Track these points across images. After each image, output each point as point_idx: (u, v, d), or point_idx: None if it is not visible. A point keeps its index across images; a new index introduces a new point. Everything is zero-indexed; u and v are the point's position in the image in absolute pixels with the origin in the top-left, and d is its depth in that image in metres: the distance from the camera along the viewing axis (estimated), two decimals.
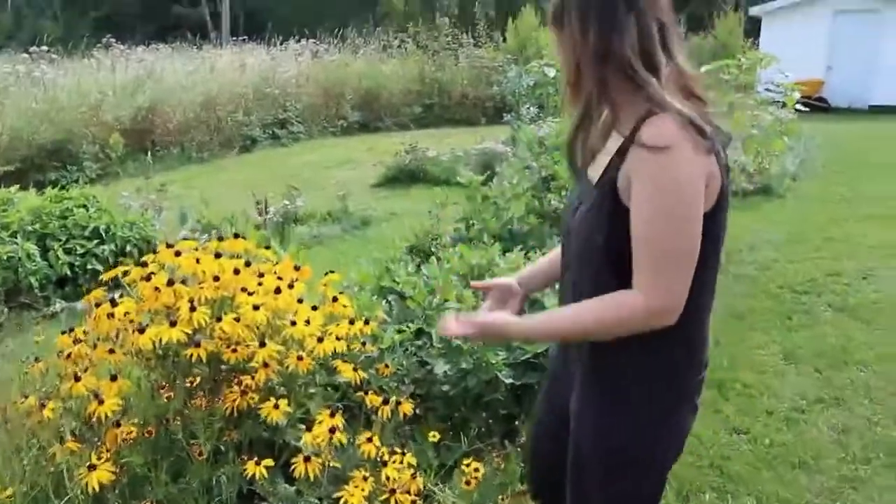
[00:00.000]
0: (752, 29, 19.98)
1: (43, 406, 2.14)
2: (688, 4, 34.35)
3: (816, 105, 14.09)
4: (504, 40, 17.54)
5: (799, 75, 9.53)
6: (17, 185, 6.06)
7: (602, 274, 1.44)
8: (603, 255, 1.43)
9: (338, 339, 2.28)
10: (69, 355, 2.29)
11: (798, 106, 8.06)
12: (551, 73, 8.89)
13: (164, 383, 2.17)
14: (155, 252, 2.46)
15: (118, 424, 2.10)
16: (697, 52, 19.44)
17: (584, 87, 1.44)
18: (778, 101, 7.95)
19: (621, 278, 1.41)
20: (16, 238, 5.03)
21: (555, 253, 1.74)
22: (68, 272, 5.11)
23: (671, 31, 1.41)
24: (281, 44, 16.46)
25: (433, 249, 3.85)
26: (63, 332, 2.40)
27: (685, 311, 1.39)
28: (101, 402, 2.05)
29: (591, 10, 1.39)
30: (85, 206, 5.53)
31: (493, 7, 22.02)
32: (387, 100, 14.97)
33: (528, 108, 9.19)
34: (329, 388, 2.57)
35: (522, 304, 1.77)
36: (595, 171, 1.48)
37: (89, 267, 5.18)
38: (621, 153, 1.39)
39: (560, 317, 1.54)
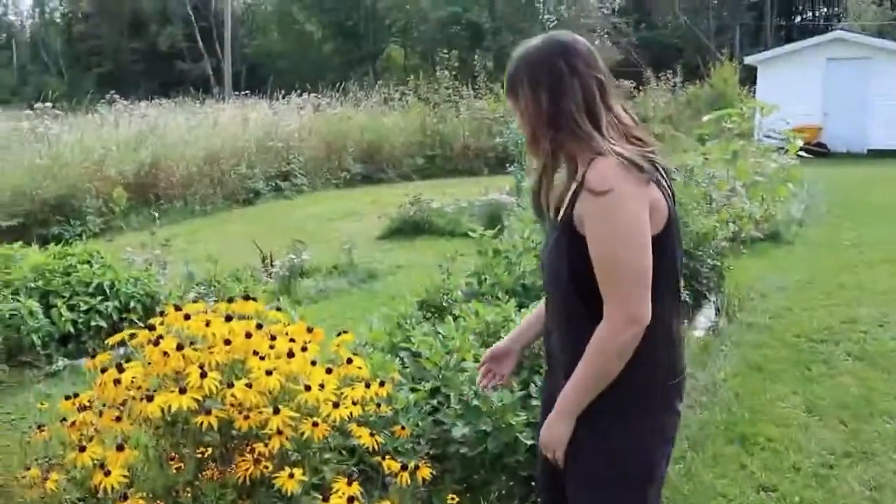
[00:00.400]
0: (748, 77, 20.27)
1: (45, 479, 2.04)
2: (682, 54, 35.01)
3: (816, 151, 14.16)
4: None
5: (796, 122, 9.60)
6: (20, 241, 6.00)
7: (568, 294, 1.68)
8: (567, 277, 1.67)
9: (353, 402, 2.19)
10: (73, 423, 2.20)
11: (800, 152, 8.07)
12: None
13: (173, 453, 2.07)
14: (162, 313, 2.40)
15: (125, 497, 1.99)
16: (694, 101, 19.70)
17: (541, 145, 1.69)
18: (781, 148, 7.96)
19: (583, 296, 1.63)
20: (18, 295, 4.95)
21: (540, 305, 1.96)
22: (71, 329, 5.02)
23: (607, 86, 1.68)
24: (283, 97, 16.65)
25: (444, 304, 3.77)
26: (67, 397, 2.31)
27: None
28: (107, 474, 1.96)
29: (541, 80, 1.65)
30: (89, 262, 5.47)
31: (492, 59, 22.39)
32: (389, 152, 15.05)
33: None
34: (344, 452, 2.47)
35: (516, 360, 2.02)
36: (556, 213, 1.73)
37: (93, 324, 5.10)
38: (574, 194, 1.64)
39: (573, 377, 1.66)
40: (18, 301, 4.86)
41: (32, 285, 5.10)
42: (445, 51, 18.32)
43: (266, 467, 2.06)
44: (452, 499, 2.47)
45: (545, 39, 1.71)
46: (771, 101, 8.49)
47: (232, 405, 2.08)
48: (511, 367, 2.01)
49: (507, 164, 10.73)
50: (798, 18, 44.38)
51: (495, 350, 2.02)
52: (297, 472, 2.04)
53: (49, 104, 12.73)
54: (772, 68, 18.56)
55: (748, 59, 20.01)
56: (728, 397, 4.09)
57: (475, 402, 2.61)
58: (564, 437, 1.68)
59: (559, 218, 1.71)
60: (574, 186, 1.66)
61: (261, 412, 2.08)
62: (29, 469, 2.14)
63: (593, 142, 1.61)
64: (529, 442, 2.62)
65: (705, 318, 5.27)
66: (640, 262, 1.56)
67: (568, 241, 1.64)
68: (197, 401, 2.00)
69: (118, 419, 2.09)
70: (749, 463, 3.40)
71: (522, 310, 3.12)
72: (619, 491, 1.70)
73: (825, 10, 43.65)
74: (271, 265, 6.45)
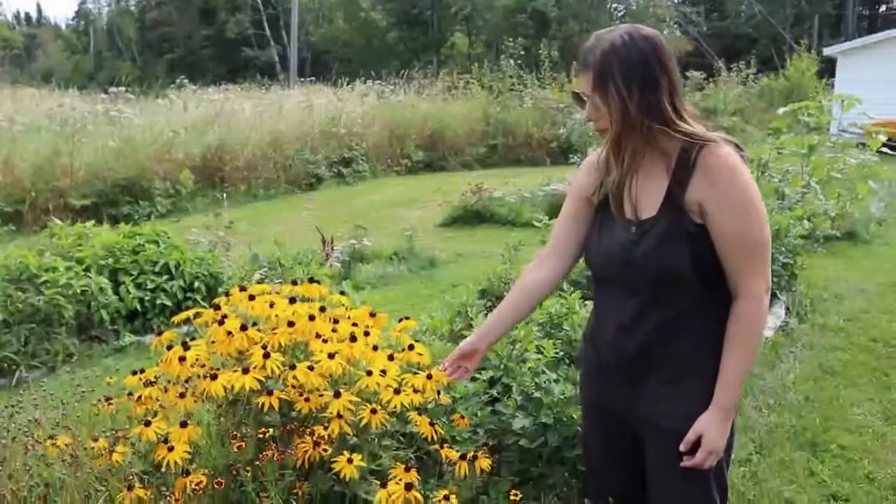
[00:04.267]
0: (826, 69, 19.48)
1: (112, 451, 2.08)
2: (755, 45, 33.92)
3: None
4: (569, 81, 17.49)
5: (878, 116, 9.16)
6: (93, 221, 6.19)
7: (692, 286, 1.65)
8: (690, 270, 1.64)
9: (414, 390, 2.16)
10: (139, 398, 2.23)
11: (882, 148, 7.71)
12: None
13: (234, 432, 2.08)
14: (226, 294, 2.41)
15: (187, 473, 2.01)
16: (768, 93, 19.05)
17: (630, 142, 1.66)
18: (861, 144, 7.61)
19: (707, 286, 1.66)
20: (89, 272, 5.11)
21: (508, 302, 2.00)
22: (138, 306, 5.16)
23: (679, 84, 1.70)
24: (347, 84, 16.76)
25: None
26: (134, 372, 2.35)
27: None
28: (170, 449, 1.98)
29: (634, 76, 1.62)
30: (156, 241, 5.61)
31: (557, 49, 22.07)
32: (451, 140, 14.98)
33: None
34: (402, 438, 2.45)
35: (481, 357, 2.04)
36: (648, 208, 1.69)
37: (158, 302, 5.23)
38: (679, 184, 1.64)
39: (730, 367, 1.68)
40: (90, 278, 5.02)
41: (103, 263, 5.26)
42: (510, 39, 18.15)
43: (325, 450, 2.05)
44: (515, 495, 2.42)
45: (632, 34, 1.64)
46: (851, 95, 8.12)
47: (293, 387, 2.08)
48: (476, 364, 2.05)
49: (570, 155, 10.57)
50: (883, 8, 42.41)
51: (464, 348, 2.02)
52: (356, 457, 2.02)
53: (122, 88, 13.18)
54: (853, 60, 17.73)
55: (827, 51, 19.19)
56: (798, 401, 3.93)
57: (536, 394, 2.56)
58: (727, 433, 1.71)
59: (662, 212, 1.67)
60: (671, 177, 1.66)
61: (321, 395, 2.07)
62: (97, 440, 2.19)
63: (689, 131, 1.64)
64: None
65: (774, 317, 5.07)
66: (769, 234, 1.67)
67: (688, 231, 1.64)
68: (259, 381, 2.01)
69: (182, 396, 2.11)
70: (819, 470, 3.26)
71: (587, 302, 3.04)
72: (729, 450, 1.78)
73: None
74: (332, 250, 6.49)
